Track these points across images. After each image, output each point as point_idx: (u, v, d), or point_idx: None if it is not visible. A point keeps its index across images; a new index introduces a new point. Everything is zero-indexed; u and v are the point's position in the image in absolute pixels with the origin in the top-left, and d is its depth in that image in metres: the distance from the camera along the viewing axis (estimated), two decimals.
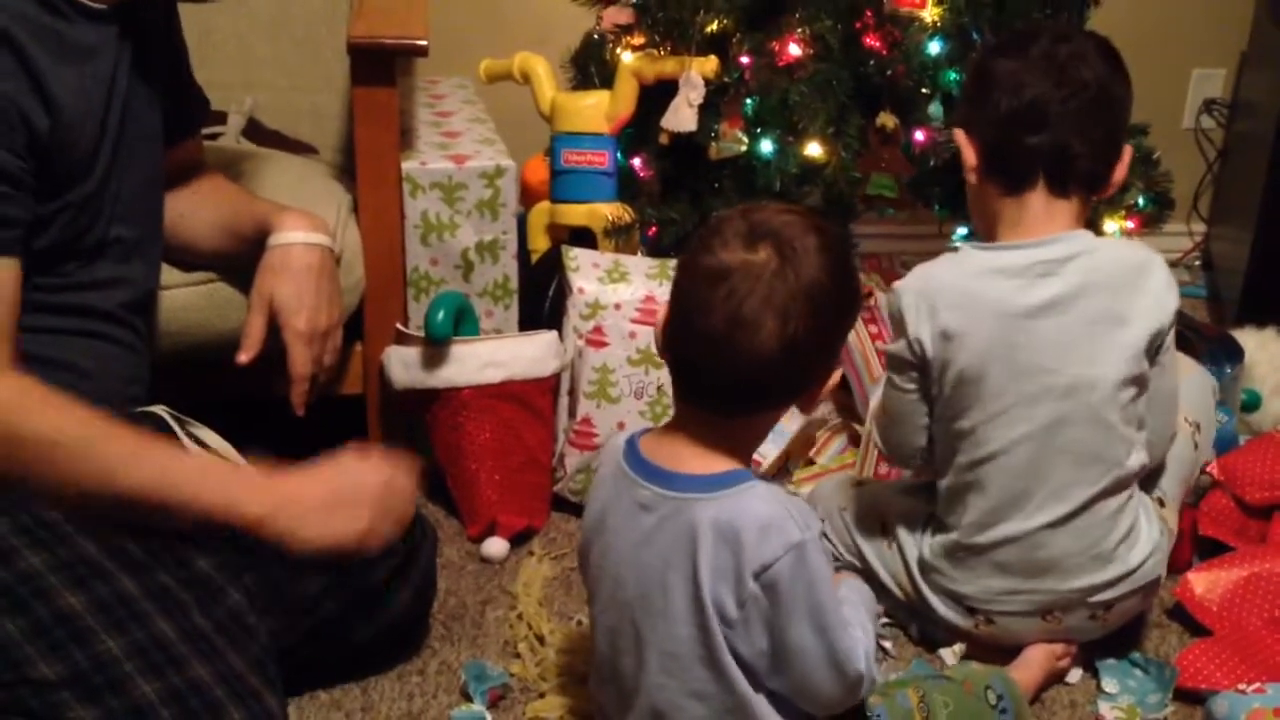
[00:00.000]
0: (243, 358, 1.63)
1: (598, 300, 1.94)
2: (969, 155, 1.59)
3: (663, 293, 1.94)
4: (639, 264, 2.01)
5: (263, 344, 1.64)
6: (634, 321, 1.93)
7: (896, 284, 1.57)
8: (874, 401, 1.93)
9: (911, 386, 1.58)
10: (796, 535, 1.21)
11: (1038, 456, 1.52)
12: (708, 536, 1.21)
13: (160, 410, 1.49)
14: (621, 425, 1.89)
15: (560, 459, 1.95)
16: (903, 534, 1.67)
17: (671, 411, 1.33)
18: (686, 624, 1.25)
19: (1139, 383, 1.54)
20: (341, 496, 1.43)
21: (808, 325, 1.18)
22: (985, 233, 1.62)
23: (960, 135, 1.60)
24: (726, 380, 1.21)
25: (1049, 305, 1.51)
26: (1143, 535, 1.59)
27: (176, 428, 1.47)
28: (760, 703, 1.28)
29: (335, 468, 1.46)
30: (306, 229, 1.67)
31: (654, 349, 1.36)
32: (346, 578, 1.47)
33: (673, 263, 1.98)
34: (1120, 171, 1.58)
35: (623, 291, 1.95)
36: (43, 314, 1.41)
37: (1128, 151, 1.58)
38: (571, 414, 1.94)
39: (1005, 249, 1.55)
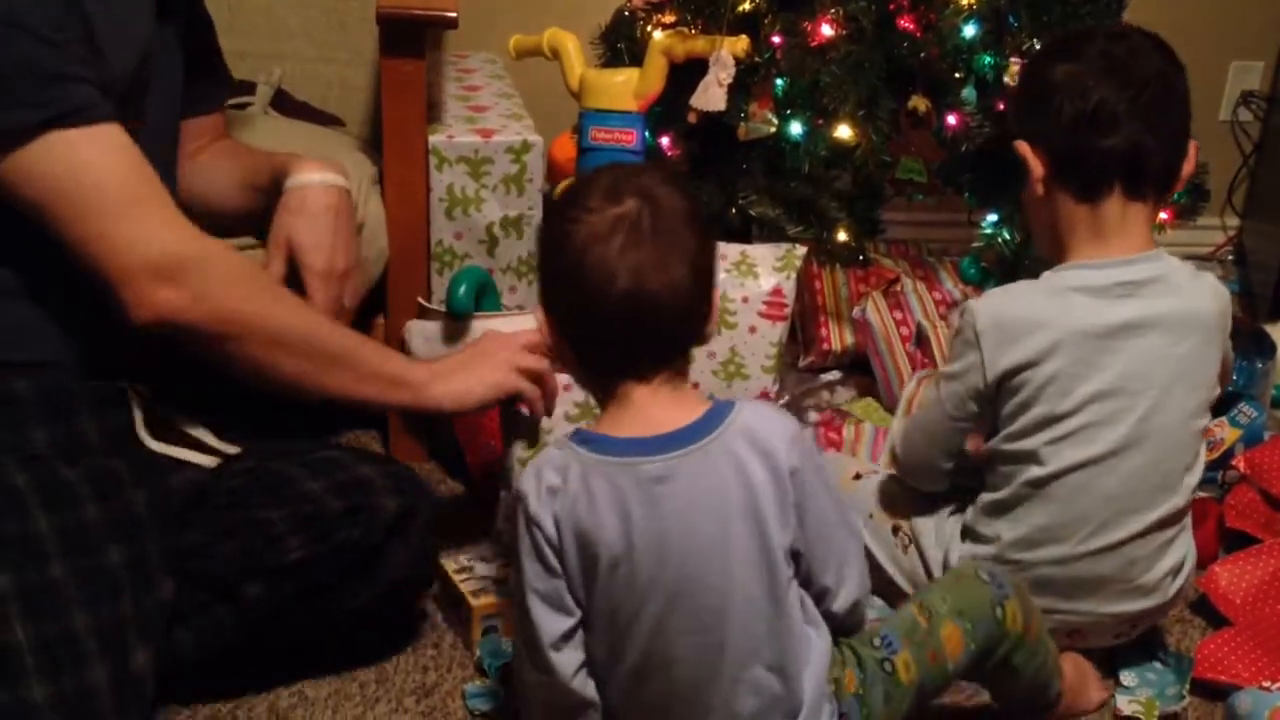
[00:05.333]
0: None
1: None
2: (1036, 166, 1.55)
3: None
4: None
5: (282, 285, 1.61)
6: None
7: (973, 304, 1.54)
8: (896, 422, 1.90)
9: (966, 412, 1.55)
10: (796, 427, 1.27)
11: (1102, 480, 1.49)
12: (747, 459, 1.21)
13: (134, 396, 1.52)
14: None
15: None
16: (923, 539, 1.63)
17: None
18: (753, 562, 1.23)
19: (1203, 416, 1.52)
20: (475, 356, 1.55)
21: (698, 246, 1.23)
22: (1051, 246, 1.58)
23: (1024, 147, 1.56)
24: (656, 327, 1.22)
25: (1128, 327, 1.49)
26: (1186, 567, 1.57)
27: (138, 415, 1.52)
28: (806, 639, 1.28)
29: (472, 345, 1.62)
30: (323, 171, 1.67)
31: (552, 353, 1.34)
32: (333, 537, 1.44)
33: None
34: (1189, 166, 1.55)
35: None
36: (56, 269, 1.41)
37: (1194, 146, 1.56)
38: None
39: (1087, 267, 1.52)
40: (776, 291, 1.93)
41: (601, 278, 1.19)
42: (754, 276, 1.94)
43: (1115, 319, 1.49)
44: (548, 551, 1.23)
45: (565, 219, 1.23)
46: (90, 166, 1.36)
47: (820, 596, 1.31)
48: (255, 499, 1.45)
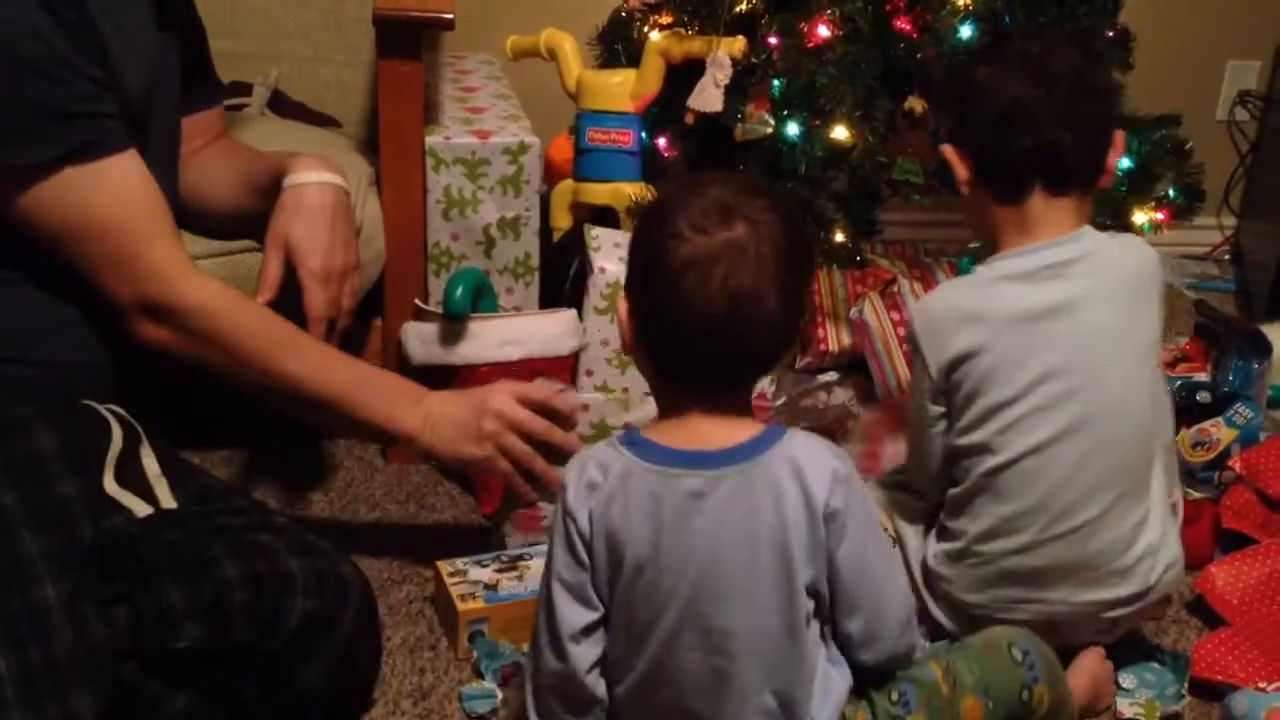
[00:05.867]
0: (259, 300, 1.61)
1: (619, 280, 1.92)
2: (960, 169, 1.57)
3: None
4: None
5: (279, 285, 1.62)
6: None
7: (911, 307, 1.56)
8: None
9: (934, 414, 1.56)
10: (844, 468, 1.24)
11: (1057, 464, 1.49)
12: (786, 491, 1.21)
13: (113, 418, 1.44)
14: None
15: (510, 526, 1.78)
16: (906, 538, 1.64)
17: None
18: (772, 591, 1.22)
19: (1154, 384, 1.52)
20: (468, 412, 1.55)
21: (795, 281, 1.22)
22: (990, 243, 1.60)
23: (949, 150, 1.58)
24: (739, 355, 1.22)
25: (1060, 307, 1.50)
26: (1165, 550, 1.56)
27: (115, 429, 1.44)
28: (823, 674, 1.27)
29: (468, 396, 1.59)
30: (321, 169, 1.66)
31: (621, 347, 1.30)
32: (230, 633, 1.31)
33: None
34: (1114, 158, 1.56)
35: None
36: (57, 272, 1.41)
37: (1119, 137, 1.57)
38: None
39: (1014, 255, 1.53)
40: None
41: (698, 301, 1.18)
42: None
43: (1045, 301, 1.50)
44: (579, 545, 1.24)
45: (670, 233, 1.20)
46: (99, 205, 1.40)
47: (844, 643, 1.29)
48: (167, 574, 1.31)
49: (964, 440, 1.53)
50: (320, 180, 1.65)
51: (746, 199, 1.21)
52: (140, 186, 1.44)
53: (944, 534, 1.60)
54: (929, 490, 1.65)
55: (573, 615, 1.25)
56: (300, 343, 1.54)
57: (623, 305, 1.26)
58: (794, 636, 1.23)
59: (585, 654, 1.26)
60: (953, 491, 1.57)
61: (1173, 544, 1.57)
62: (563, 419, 1.59)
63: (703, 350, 1.21)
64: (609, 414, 1.76)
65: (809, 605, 1.24)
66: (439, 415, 1.55)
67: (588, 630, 1.26)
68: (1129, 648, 1.63)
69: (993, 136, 1.52)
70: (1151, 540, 1.54)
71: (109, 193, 1.40)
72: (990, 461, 1.51)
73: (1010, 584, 1.52)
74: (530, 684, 1.32)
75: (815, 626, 1.26)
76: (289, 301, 1.61)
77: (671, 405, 1.27)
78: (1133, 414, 1.51)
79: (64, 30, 1.36)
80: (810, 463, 1.22)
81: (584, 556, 1.24)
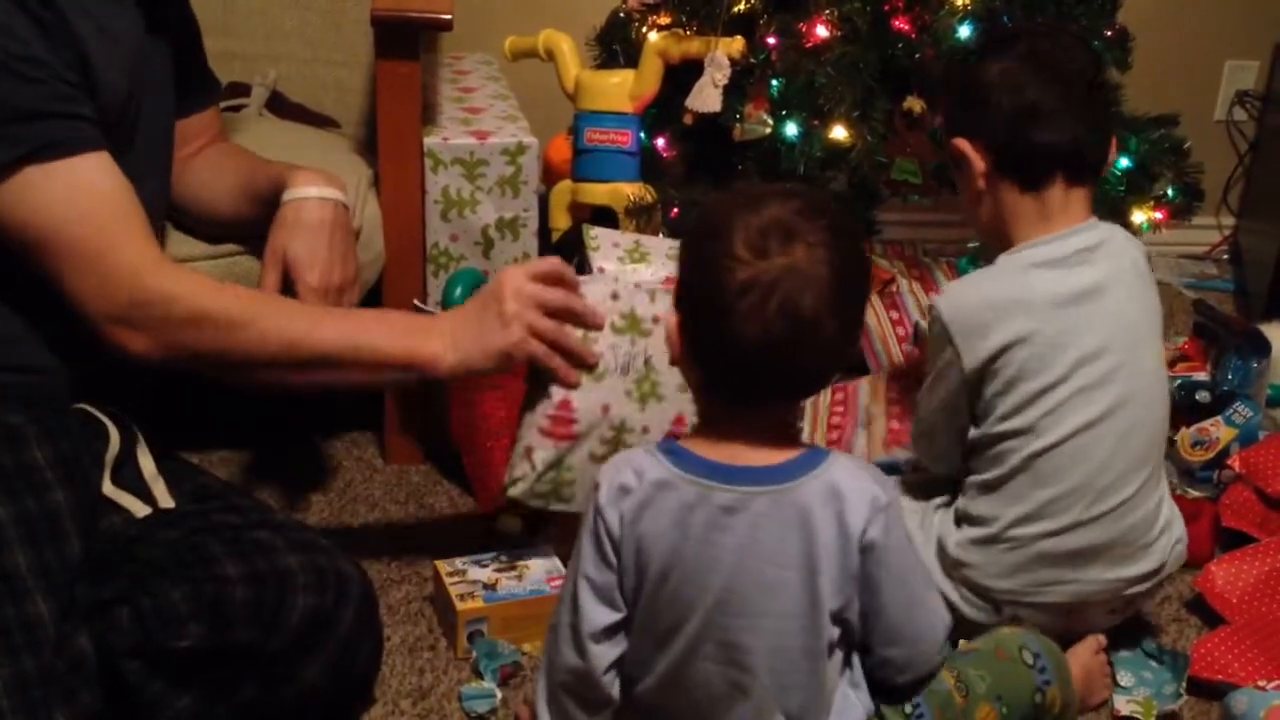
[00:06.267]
0: None
1: (617, 279, 1.92)
2: (976, 161, 1.58)
3: None
4: (660, 245, 1.99)
5: (260, 301, 1.57)
6: None
7: (936, 301, 1.56)
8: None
9: (958, 405, 1.57)
10: (884, 497, 1.22)
11: (1101, 444, 1.51)
12: (819, 517, 1.20)
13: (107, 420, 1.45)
14: (606, 409, 1.59)
15: (525, 453, 1.59)
16: (915, 529, 1.63)
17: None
18: (796, 615, 1.22)
19: (1166, 361, 1.56)
20: (485, 312, 1.48)
21: (852, 304, 1.21)
22: (996, 237, 1.61)
23: (963, 144, 1.59)
24: (791, 377, 1.22)
25: (1092, 291, 1.53)
26: (1175, 525, 1.60)
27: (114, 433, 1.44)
28: (842, 697, 1.27)
29: (478, 293, 1.52)
30: (320, 184, 1.65)
31: (668, 355, 1.28)
32: (232, 632, 1.31)
33: None
34: (1112, 155, 1.64)
35: (643, 272, 1.93)
36: (38, 277, 1.40)
37: (1113, 139, 1.64)
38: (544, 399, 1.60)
39: (1041, 243, 1.55)
40: None
41: (753, 325, 1.16)
42: None
43: (1079, 285, 1.53)
44: (608, 546, 1.23)
45: (727, 253, 1.17)
46: (61, 205, 1.35)
47: (880, 666, 1.29)
48: (167, 574, 1.33)
49: (1003, 426, 1.53)
50: (320, 195, 1.64)
51: (805, 220, 1.18)
52: (109, 188, 1.39)
53: (971, 520, 1.58)
54: (940, 467, 1.66)
55: (597, 615, 1.25)
56: (290, 307, 1.50)
57: (672, 319, 1.24)
58: (813, 660, 1.23)
59: (605, 654, 1.26)
60: (981, 478, 1.57)
61: (1177, 521, 1.62)
62: (582, 319, 1.54)
63: (756, 372, 1.20)
64: (637, 304, 1.63)
65: (833, 633, 1.23)
66: (457, 326, 1.48)
67: (610, 631, 1.26)
68: (1127, 643, 1.64)
69: (1016, 131, 1.55)
70: (1168, 516, 1.59)
71: (72, 193, 1.35)
72: (1033, 445, 1.52)
73: (1046, 566, 1.53)
74: (545, 679, 1.32)
75: (839, 654, 1.26)
76: None
77: (715, 418, 1.26)
78: (1160, 392, 1.58)
79: (38, 30, 1.33)
80: (850, 490, 1.21)
81: (612, 558, 1.24)
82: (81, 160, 1.37)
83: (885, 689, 1.31)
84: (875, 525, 1.20)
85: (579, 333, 1.54)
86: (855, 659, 1.29)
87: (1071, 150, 1.55)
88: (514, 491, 1.61)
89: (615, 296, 1.61)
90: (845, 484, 1.21)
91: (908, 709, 1.31)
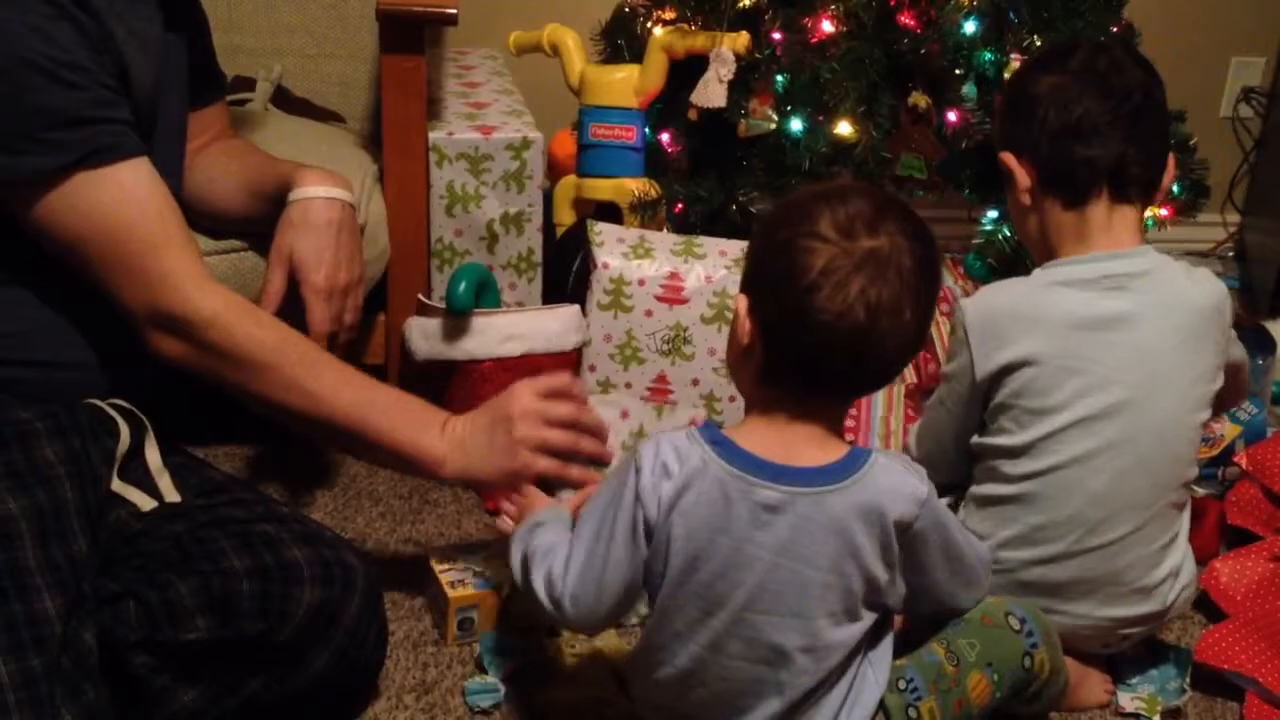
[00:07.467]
0: None
1: (622, 275, 1.92)
2: (1022, 177, 1.57)
3: (688, 269, 1.93)
4: (664, 240, 1.99)
5: (281, 300, 1.61)
6: (657, 299, 1.92)
7: (964, 302, 1.54)
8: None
9: (965, 409, 1.56)
10: (924, 490, 1.24)
11: (1096, 477, 1.48)
12: (858, 524, 1.20)
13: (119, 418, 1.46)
14: None
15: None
16: None
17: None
18: (829, 614, 1.23)
19: (1203, 410, 1.52)
20: (493, 428, 1.49)
21: (929, 302, 1.22)
22: (1041, 251, 1.59)
23: (1010, 158, 1.58)
24: (865, 363, 1.21)
25: (1116, 320, 1.49)
26: (1184, 572, 1.55)
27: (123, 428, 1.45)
28: (858, 677, 1.29)
29: (489, 407, 1.52)
30: (327, 184, 1.65)
31: (727, 360, 1.30)
32: (238, 624, 1.32)
33: (699, 240, 1.97)
34: (1168, 178, 1.58)
35: (647, 268, 1.93)
36: (61, 272, 1.41)
37: (1172, 158, 1.59)
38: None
39: (1074, 262, 1.53)
40: None
41: (834, 309, 1.16)
42: None
43: (1102, 311, 1.49)
44: (640, 529, 1.23)
45: (814, 234, 1.18)
46: (109, 211, 1.38)
47: (947, 598, 1.36)
48: (174, 568, 1.34)
49: (1001, 441, 1.52)
50: (327, 195, 1.64)
51: (890, 212, 1.20)
52: (151, 192, 1.42)
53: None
54: (939, 473, 1.63)
55: (615, 580, 1.25)
56: (319, 362, 1.49)
57: (742, 303, 1.23)
58: (840, 653, 1.25)
59: (567, 615, 1.28)
60: (980, 490, 1.55)
61: (1190, 567, 1.57)
62: (590, 433, 1.55)
63: (831, 355, 1.19)
64: (646, 420, 1.75)
65: (867, 621, 1.26)
66: (468, 436, 1.49)
67: (621, 598, 1.27)
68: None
69: (1062, 145, 1.53)
70: (1175, 563, 1.54)
71: (119, 198, 1.39)
72: (1026, 467, 1.50)
73: (1034, 595, 1.49)
74: (518, 556, 1.34)
75: (866, 637, 1.28)
76: (291, 316, 1.60)
77: (765, 412, 1.25)
78: (1173, 441, 1.50)
79: (80, 36, 1.35)
80: (892, 489, 1.22)
81: (643, 542, 1.23)
82: (127, 165, 1.40)
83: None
84: (920, 519, 1.23)
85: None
86: (886, 635, 1.30)
87: (1115, 167, 1.51)
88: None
89: (625, 415, 1.63)
90: (887, 482, 1.22)
91: (900, 684, 1.32)
